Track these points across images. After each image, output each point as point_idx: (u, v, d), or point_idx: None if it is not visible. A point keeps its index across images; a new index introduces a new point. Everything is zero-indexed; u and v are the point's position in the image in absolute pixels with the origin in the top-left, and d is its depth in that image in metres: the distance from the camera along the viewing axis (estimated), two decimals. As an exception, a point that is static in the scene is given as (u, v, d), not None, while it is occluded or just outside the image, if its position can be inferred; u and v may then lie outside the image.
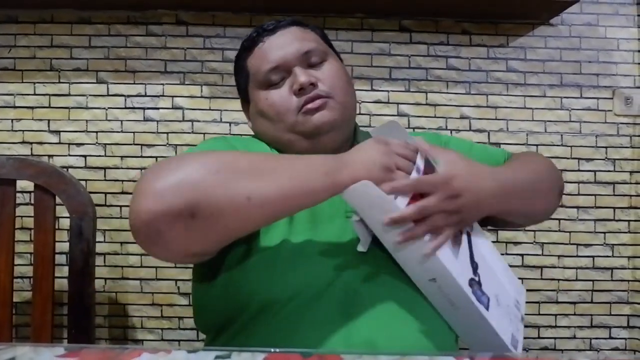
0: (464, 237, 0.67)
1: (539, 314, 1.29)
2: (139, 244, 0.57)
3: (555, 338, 1.30)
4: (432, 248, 0.59)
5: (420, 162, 0.62)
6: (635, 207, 1.31)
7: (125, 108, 1.26)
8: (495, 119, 1.30)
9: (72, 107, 1.26)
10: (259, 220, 0.60)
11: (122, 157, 1.26)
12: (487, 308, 0.63)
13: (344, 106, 0.75)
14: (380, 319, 0.64)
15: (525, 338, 1.27)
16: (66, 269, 0.94)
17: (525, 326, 1.28)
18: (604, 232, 1.31)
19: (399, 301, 0.64)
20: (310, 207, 0.62)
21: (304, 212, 0.66)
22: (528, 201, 0.74)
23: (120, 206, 1.25)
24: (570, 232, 1.30)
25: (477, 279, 0.64)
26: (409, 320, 0.64)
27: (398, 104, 1.29)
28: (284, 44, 0.75)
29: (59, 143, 1.25)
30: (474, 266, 0.66)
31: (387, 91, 1.28)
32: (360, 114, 1.26)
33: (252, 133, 0.85)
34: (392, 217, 0.58)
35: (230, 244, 0.66)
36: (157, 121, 1.26)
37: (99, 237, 1.22)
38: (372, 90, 1.28)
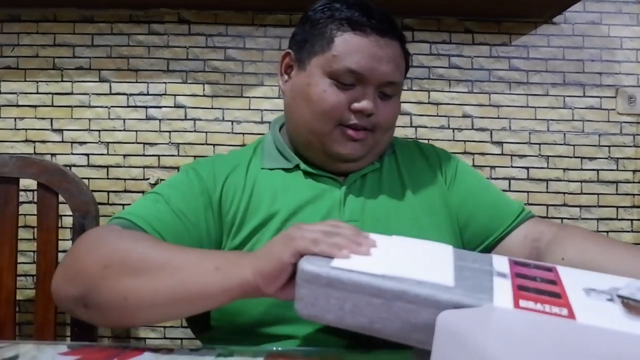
0: None
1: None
2: None
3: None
4: None
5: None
6: (638, 206, 1.31)
7: (128, 107, 1.26)
8: (498, 118, 1.30)
9: (75, 106, 1.26)
10: (147, 319, 0.59)
11: (124, 155, 1.26)
12: None
13: (378, 142, 0.74)
14: None
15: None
16: (69, 267, 0.94)
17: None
18: (607, 231, 1.30)
19: None
20: (212, 307, 0.55)
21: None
22: None
23: (123, 204, 1.26)
24: (572, 231, 1.30)
25: None
26: None
27: (400, 102, 1.28)
28: (382, 57, 0.69)
29: (62, 141, 1.26)
30: None
31: (390, 90, 1.28)
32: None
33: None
34: None
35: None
36: (160, 120, 1.27)
37: (102, 235, 1.22)
38: (375, 88, 1.28)
